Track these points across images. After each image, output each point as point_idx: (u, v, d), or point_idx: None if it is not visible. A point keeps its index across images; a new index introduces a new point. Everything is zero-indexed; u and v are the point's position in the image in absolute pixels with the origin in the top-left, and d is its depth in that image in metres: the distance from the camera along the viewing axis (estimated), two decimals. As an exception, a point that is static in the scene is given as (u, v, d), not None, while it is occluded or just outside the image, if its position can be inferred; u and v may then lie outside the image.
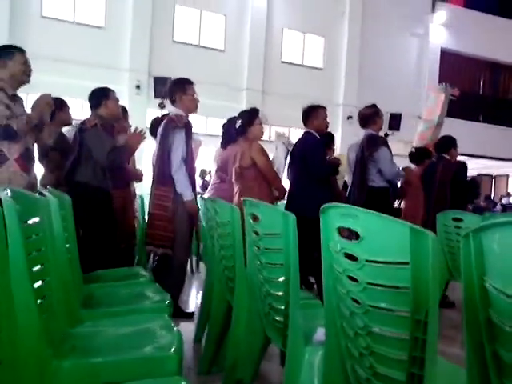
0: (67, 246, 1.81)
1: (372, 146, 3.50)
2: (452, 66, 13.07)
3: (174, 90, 3.07)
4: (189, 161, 2.99)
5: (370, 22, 11.76)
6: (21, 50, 2.60)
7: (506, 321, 0.72)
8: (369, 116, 3.64)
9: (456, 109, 12.36)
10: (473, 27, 12.76)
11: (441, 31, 12.89)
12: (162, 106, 9.90)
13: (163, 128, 3.01)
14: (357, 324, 1.07)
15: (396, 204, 4.32)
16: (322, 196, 2.98)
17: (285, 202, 3.54)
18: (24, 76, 2.59)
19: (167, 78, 9.87)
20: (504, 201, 14.47)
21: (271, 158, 3.89)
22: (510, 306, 0.70)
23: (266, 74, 10.78)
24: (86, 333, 1.37)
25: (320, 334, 1.37)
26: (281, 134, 9.41)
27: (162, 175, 2.97)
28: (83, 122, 2.95)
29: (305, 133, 3.46)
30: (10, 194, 1.11)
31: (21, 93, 2.64)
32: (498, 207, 13.54)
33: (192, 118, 3.21)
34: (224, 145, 3.76)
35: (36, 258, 1.23)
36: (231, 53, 10.63)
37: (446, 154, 4.16)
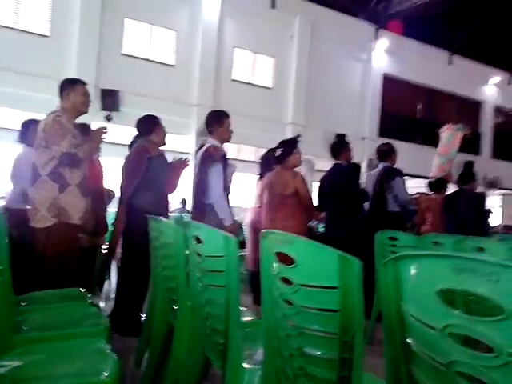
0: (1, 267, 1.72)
1: (389, 176, 4.06)
2: (393, 90, 13.85)
3: (211, 121, 3.26)
4: (226, 188, 3.17)
5: (318, 45, 12.22)
6: (82, 82, 2.77)
7: (419, 344, 0.79)
8: (385, 152, 4.22)
9: (396, 132, 13.11)
10: (411, 55, 13.65)
11: (383, 57, 13.66)
12: (108, 118, 9.66)
13: (202, 159, 3.15)
14: (291, 346, 1.11)
15: (409, 226, 4.80)
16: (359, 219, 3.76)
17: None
18: (83, 107, 2.75)
19: (115, 90, 9.70)
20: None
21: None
22: (422, 331, 0.78)
23: (216, 91, 10.84)
24: (16, 360, 1.31)
25: (260, 354, 1.40)
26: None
27: (197, 203, 3.16)
28: (147, 150, 3.09)
29: (337, 165, 3.92)
30: None
31: None
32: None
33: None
34: (262, 174, 4.01)
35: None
36: (182, 68, 10.62)
37: (467, 186, 4.80)
